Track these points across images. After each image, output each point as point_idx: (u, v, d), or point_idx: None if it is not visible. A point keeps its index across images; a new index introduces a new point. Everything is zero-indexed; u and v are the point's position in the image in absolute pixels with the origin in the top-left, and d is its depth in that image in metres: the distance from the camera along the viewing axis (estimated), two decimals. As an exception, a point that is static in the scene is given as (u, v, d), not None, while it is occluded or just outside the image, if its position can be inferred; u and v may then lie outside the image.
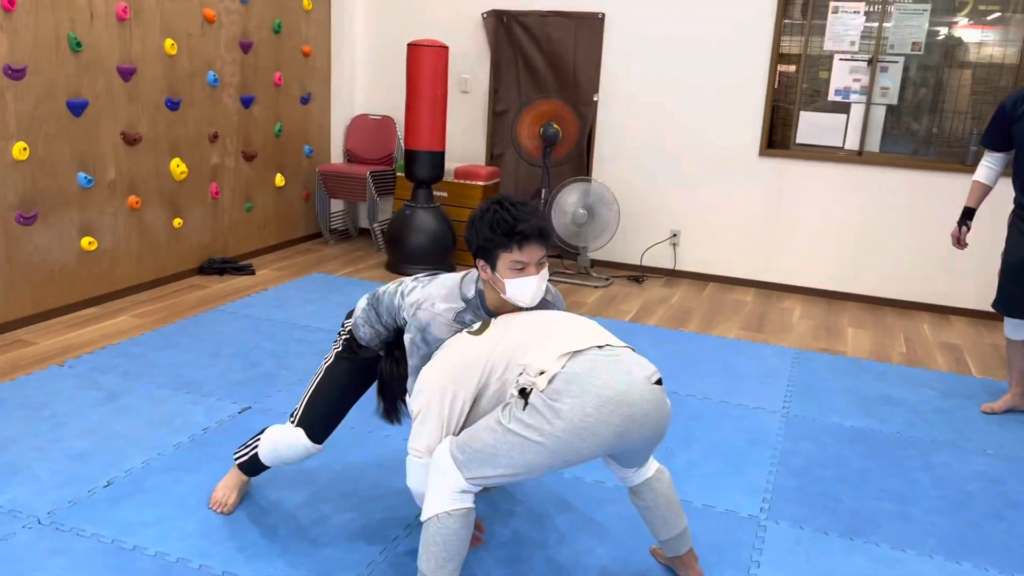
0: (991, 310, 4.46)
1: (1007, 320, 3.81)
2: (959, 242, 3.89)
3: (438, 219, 5.77)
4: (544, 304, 2.43)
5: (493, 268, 2.26)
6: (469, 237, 2.31)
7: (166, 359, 3.93)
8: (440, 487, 2.10)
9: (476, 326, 2.28)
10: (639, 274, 6.06)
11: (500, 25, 6.21)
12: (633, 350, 2.21)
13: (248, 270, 5.56)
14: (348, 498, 2.81)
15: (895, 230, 5.53)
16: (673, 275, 6.11)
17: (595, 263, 6.22)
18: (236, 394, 3.59)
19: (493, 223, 2.23)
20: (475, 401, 2.21)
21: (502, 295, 2.29)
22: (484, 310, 2.36)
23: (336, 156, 6.73)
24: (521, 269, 2.24)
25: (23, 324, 4.28)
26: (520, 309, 2.33)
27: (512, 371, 2.13)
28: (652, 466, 2.34)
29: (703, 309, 5.32)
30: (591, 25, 5.97)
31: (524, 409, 2.04)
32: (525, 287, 2.25)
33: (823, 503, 2.93)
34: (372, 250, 6.44)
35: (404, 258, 5.75)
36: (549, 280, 2.60)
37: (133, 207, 4.85)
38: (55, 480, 2.81)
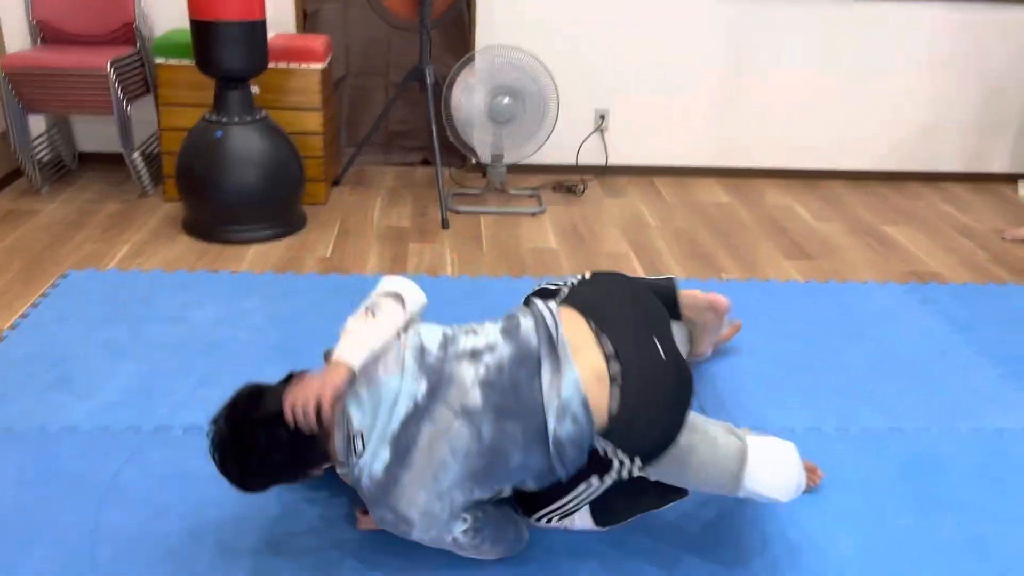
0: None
1: None
2: None
3: (271, 140, 3.37)
4: None
5: None
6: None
7: None
8: None
9: None
10: (574, 181, 4.22)
11: None
12: None
13: (-72, 291, 2.83)
14: None
15: (886, 80, 4.29)
16: (605, 173, 4.36)
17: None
18: None
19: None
20: None
21: None
22: None
23: (18, 38, 3.78)
24: None
25: None
26: None
27: None
28: None
29: (702, 230, 3.72)
30: None
31: None
32: None
33: None
34: (129, 194, 3.81)
35: (218, 214, 3.33)
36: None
37: None
38: None
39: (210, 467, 1.82)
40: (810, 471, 2.02)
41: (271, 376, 1.82)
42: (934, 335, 2.86)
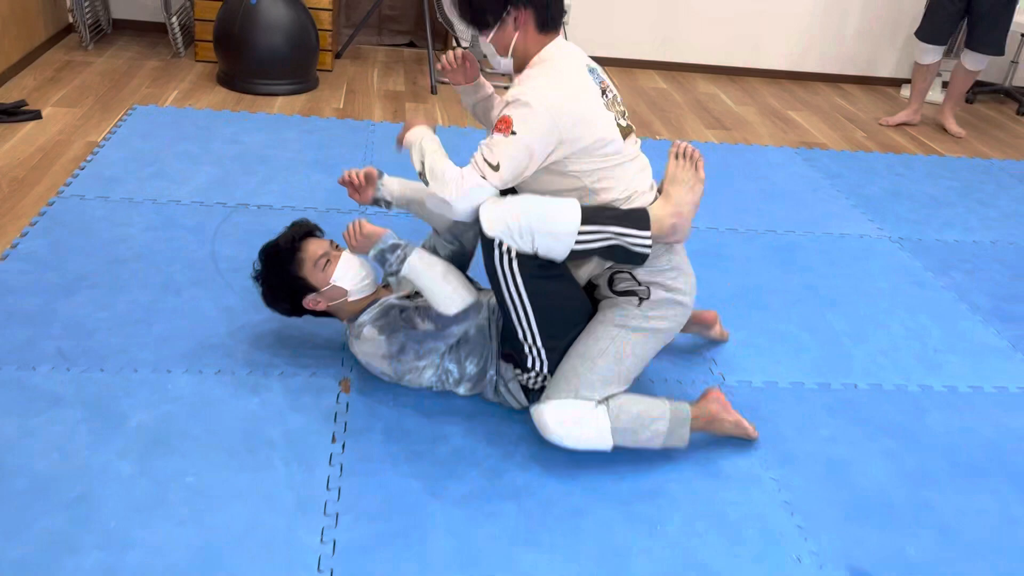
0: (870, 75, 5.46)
1: (921, 47, 4.49)
2: None
3: (294, 10, 4.09)
4: None
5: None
6: None
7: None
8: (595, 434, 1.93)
9: None
10: (538, 64, 5.00)
11: None
12: None
13: (28, 112, 3.51)
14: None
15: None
16: (564, 61, 5.15)
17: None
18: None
19: None
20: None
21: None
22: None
23: (66, -91, 4.38)
24: None
25: None
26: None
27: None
28: None
29: (642, 106, 4.58)
30: None
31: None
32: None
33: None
34: (163, 54, 4.48)
35: (251, 69, 4.05)
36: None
37: None
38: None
39: (280, 228, 2.65)
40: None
41: (316, 180, 2.69)
42: (809, 179, 3.79)
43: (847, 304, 2.80)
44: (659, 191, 2.07)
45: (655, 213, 1.93)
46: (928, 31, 4.43)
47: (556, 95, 1.83)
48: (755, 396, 2.30)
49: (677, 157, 2.02)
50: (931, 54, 4.49)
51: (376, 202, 2.22)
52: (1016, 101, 5.20)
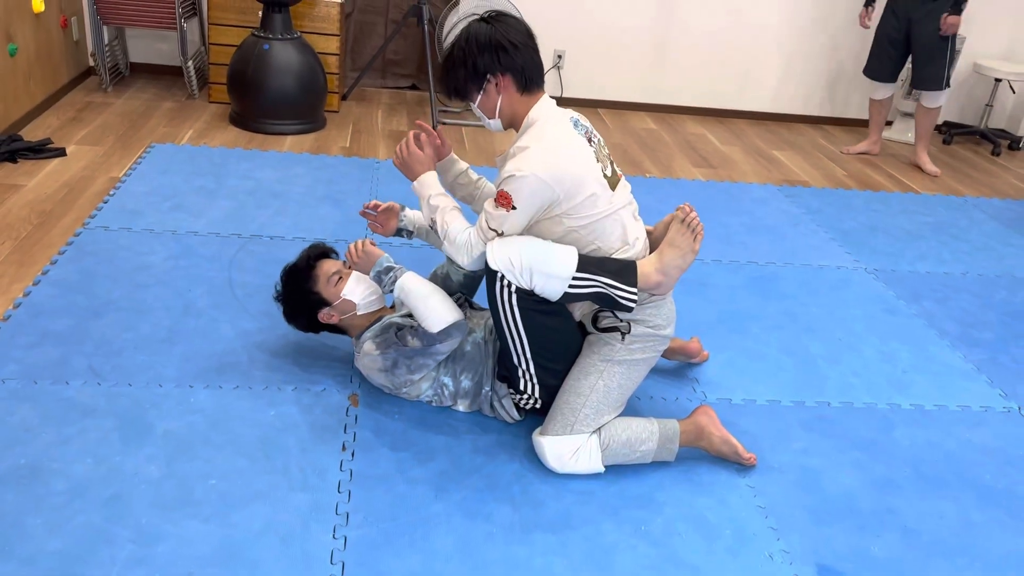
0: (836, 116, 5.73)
1: (871, 83, 4.91)
2: (864, 21, 4.82)
3: (304, 55, 4.32)
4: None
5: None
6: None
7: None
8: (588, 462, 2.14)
9: None
10: (534, 106, 5.25)
11: None
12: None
13: (53, 149, 3.72)
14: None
15: (780, 40, 5.41)
16: (559, 104, 5.37)
17: (464, 94, 5.24)
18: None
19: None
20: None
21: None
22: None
23: (91, -40, 4.64)
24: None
25: None
26: None
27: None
28: None
29: (633, 146, 4.81)
30: None
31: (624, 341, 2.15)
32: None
33: (1037, 375, 2.85)
34: (178, 96, 4.71)
35: (263, 110, 4.27)
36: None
37: None
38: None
39: (292, 257, 2.83)
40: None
41: (325, 213, 2.88)
42: (791, 214, 4.00)
43: (823, 330, 2.98)
44: (648, 233, 2.26)
45: (643, 269, 2.09)
46: (874, 69, 4.85)
47: (549, 163, 1.99)
48: (734, 412, 2.47)
49: (681, 223, 2.13)
50: (881, 90, 4.90)
51: (399, 232, 2.43)
52: (991, 142, 5.45)
